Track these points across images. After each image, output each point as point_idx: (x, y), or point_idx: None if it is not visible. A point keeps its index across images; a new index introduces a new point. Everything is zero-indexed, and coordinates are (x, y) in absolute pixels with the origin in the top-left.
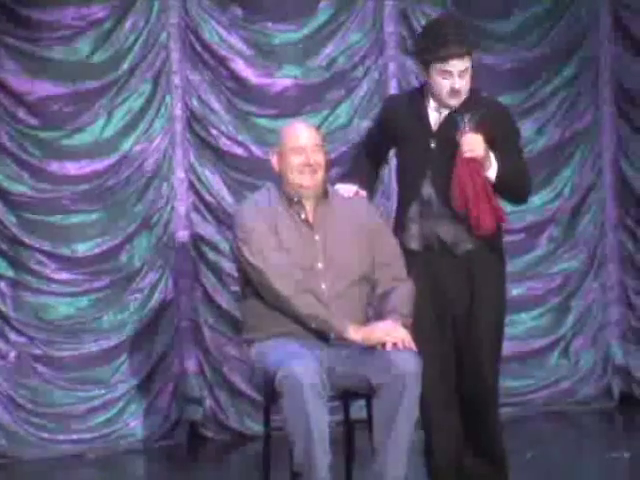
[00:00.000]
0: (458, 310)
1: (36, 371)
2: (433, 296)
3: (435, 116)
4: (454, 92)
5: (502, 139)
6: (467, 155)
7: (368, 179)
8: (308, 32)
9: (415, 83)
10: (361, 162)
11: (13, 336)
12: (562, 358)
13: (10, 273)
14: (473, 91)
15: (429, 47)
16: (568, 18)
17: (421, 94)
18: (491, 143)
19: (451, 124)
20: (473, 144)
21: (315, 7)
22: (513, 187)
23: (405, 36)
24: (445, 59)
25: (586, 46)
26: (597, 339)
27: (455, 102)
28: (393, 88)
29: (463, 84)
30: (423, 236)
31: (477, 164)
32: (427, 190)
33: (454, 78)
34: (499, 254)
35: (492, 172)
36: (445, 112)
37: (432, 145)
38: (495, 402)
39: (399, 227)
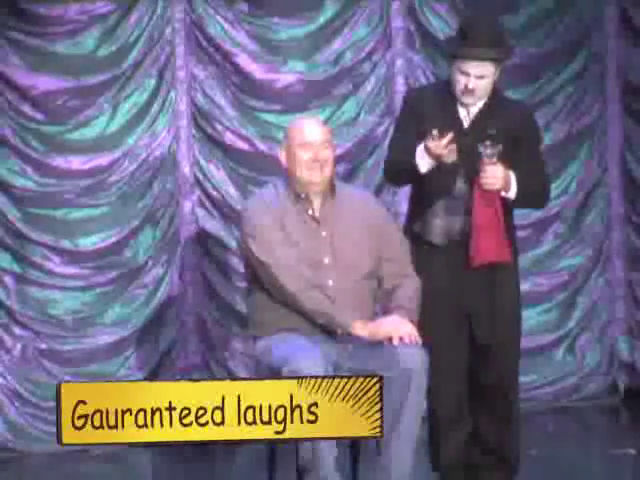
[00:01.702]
0: (478, 304)
1: (41, 365)
2: (452, 290)
3: (464, 112)
4: (467, 91)
5: (524, 144)
6: (484, 188)
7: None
8: (314, 27)
9: (422, 79)
10: (400, 177)
11: (18, 330)
12: (568, 354)
13: (15, 267)
14: (498, 93)
15: (457, 42)
16: (574, 14)
17: (448, 88)
18: (512, 147)
19: (484, 119)
20: (492, 177)
21: (321, 2)
22: (532, 200)
23: (412, 31)
24: (465, 58)
25: (592, 42)
26: (603, 335)
27: (469, 100)
28: (400, 84)
29: (479, 85)
30: (447, 230)
31: (492, 195)
32: (459, 185)
33: (469, 78)
34: (515, 247)
35: (511, 193)
36: (474, 109)
37: (464, 141)
38: (516, 397)
39: (417, 221)
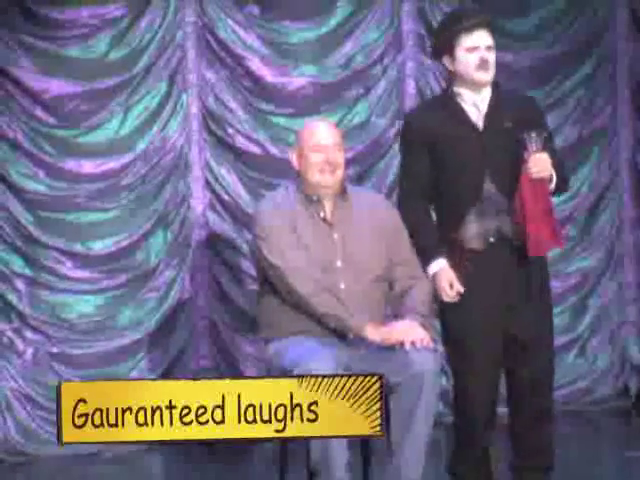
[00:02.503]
0: (516, 301)
1: (53, 369)
2: (491, 291)
3: (474, 112)
4: (483, 63)
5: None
6: (535, 176)
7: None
8: (325, 30)
9: (433, 82)
10: (419, 213)
11: (30, 334)
12: (579, 357)
13: (26, 271)
14: (497, 86)
15: (452, 28)
16: (585, 16)
17: (448, 97)
18: (549, 139)
19: (496, 114)
20: (542, 165)
21: (333, 5)
22: (562, 186)
23: (423, 34)
24: (470, 30)
25: (603, 44)
26: (614, 338)
27: (485, 76)
28: (411, 86)
29: (491, 57)
30: (483, 234)
31: (543, 185)
32: (488, 187)
33: (481, 50)
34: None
35: (553, 184)
36: (483, 106)
37: (484, 141)
38: (551, 395)
39: (453, 228)
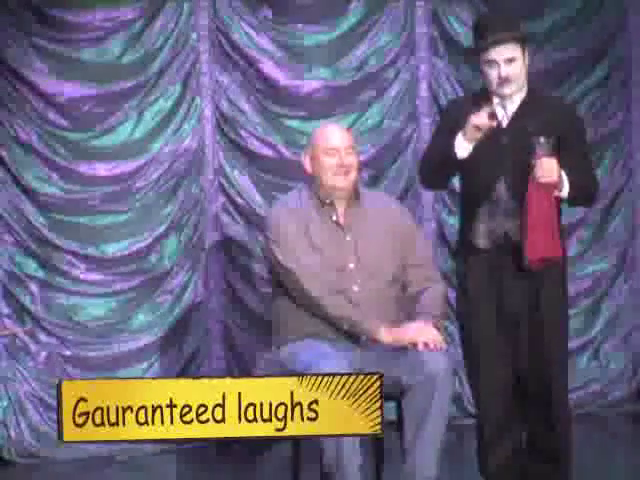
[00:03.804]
0: (521, 307)
1: (66, 372)
2: (497, 293)
3: (501, 112)
4: (502, 80)
5: (568, 141)
6: (541, 181)
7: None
8: (339, 33)
9: (446, 84)
10: (436, 173)
11: (43, 337)
12: (592, 360)
13: (40, 274)
14: (534, 92)
15: (475, 40)
16: (598, 19)
17: (486, 95)
18: (557, 145)
19: (522, 117)
20: (548, 170)
21: (346, 8)
22: (582, 199)
23: (436, 37)
24: (486, 48)
25: (616, 47)
26: (627, 341)
27: (507, 90)
28: (423, 89)
29: (510, 71)
30: (491, 234)
31: (549, 190)
32: (500, 188)
33: (500, 66)
34: (563, 249)
35: (564, 191)
36: (511, 107)
37: (504, 141)
38: (565, 403)
39: (466, 227)
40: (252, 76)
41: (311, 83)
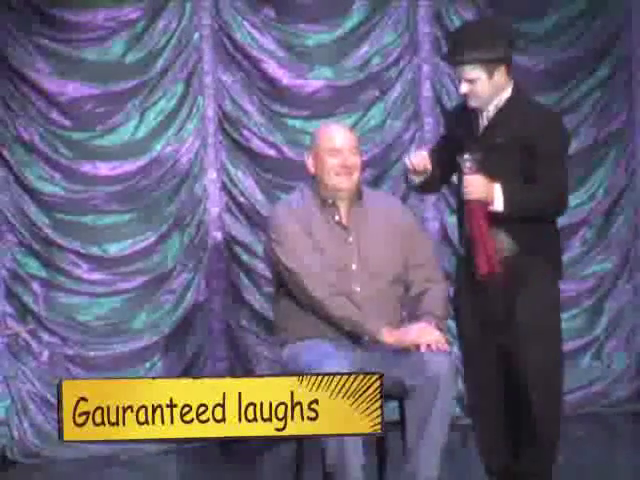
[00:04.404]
0: (500, 315)
1: (69, 371)
2: (477, 301)
3: (481, 121)
4: (465, 95)
5: (537, 152)
6: (467, 197)
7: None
8: (341, 33)
9: (449, 84)
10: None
11: (46, 336)
12: (595, 360)
13: (43, 274)
14: (516, 100)
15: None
16: (601, 19)
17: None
18: (529, 155)
19: (495, 128)
20: (472, 186)
21: (349, 8)
22: (533, 212)
23: (439, 37)
24: (449, 63)
25: (619, 47)
26: (630, 341)
27: (472, 104)
28: (426, 89)
29: (469, 90)
30: (466, 242)
31: (476, 206)
32: None
33: (462, 82)
34: (547, 256)
35: (498, 205)
36: (488, 116)
37: (476, 149)
38: (552, 419)
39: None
40: (255, 76)
41: (314, 83)
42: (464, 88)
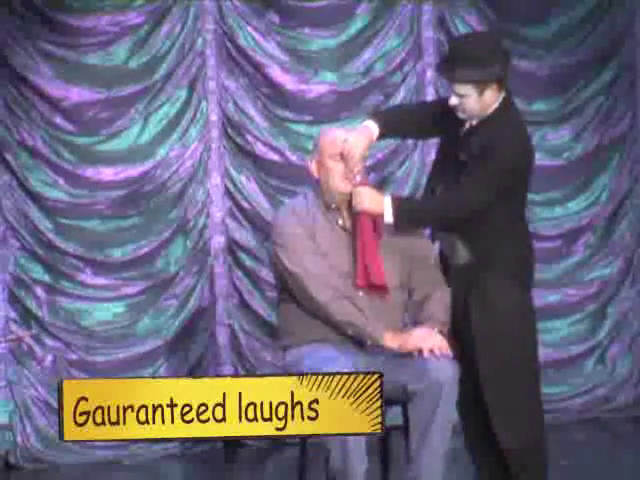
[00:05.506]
0: (459, 324)
1: (72, 376)
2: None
3: (461, 131)
4: (453, 107)
5: (473, 162)
6: (354, 209)
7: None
8: (345, 38)
9: None
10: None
11: (49, 341)
12: (598, 365)
13: (46, 278)
14: (497, 115)
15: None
16: (604, 24)
17: None
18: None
19: (467, 140)
20: (360, 197)
21: (352, 13)
22: (430, 220)
23: (443, 42)
24: (442, 77)
25: (623, 52)
26: (633, 346)
27: (460, 116)
28: (430, 94)
29: (462, 102)
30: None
31: (364, 218)
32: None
33: (452, 95)
34: (506, 264)
35: (388, 216)
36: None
37: (446, 162)
38: (519, 436)
39: None
40: (258, 81)
41: (317, 88)
42: (454, 101)
